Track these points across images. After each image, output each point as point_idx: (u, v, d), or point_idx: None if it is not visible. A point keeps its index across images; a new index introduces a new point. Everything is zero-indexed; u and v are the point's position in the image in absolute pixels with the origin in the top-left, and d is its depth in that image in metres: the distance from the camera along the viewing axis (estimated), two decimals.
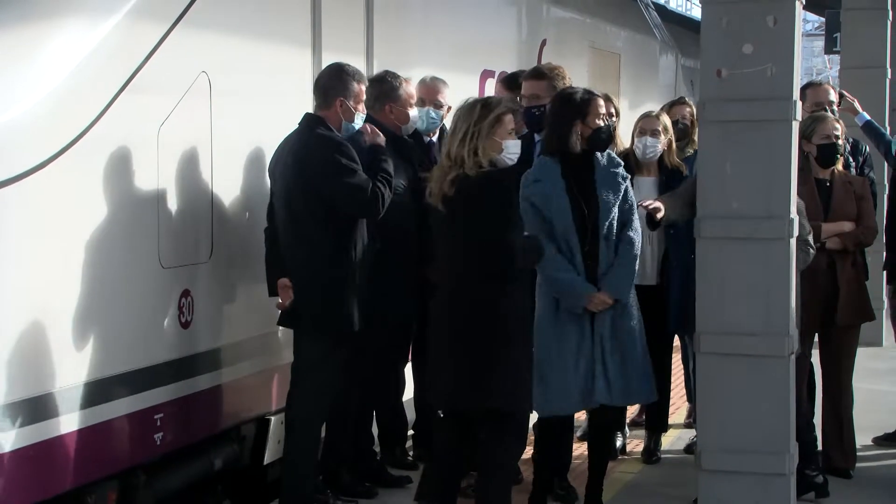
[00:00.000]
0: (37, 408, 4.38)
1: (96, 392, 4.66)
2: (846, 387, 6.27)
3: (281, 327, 5.54)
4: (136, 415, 4.88)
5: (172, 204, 5.10)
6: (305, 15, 6.02)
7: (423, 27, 7.33)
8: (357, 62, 5.93)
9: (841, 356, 6.18)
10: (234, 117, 5.47)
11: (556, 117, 5.35)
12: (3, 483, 4.25)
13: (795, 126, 5.15)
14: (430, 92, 6.17)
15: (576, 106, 5.29)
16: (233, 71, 5.46)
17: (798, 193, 5.92)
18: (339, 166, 5.13)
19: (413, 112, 5.91)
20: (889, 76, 10.31)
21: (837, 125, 6.17)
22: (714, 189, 5.12)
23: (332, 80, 5.37)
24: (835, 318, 6.00)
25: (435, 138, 6.27)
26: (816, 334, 6.11)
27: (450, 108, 6.22)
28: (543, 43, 9.32)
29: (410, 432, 6.44)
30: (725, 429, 5.11)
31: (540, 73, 5.93)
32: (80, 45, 4.62)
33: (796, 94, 5.11)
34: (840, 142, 6.11)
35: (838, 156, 6.11)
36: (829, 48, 14.46)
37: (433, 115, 6.14)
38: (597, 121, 5.29)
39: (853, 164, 6.84)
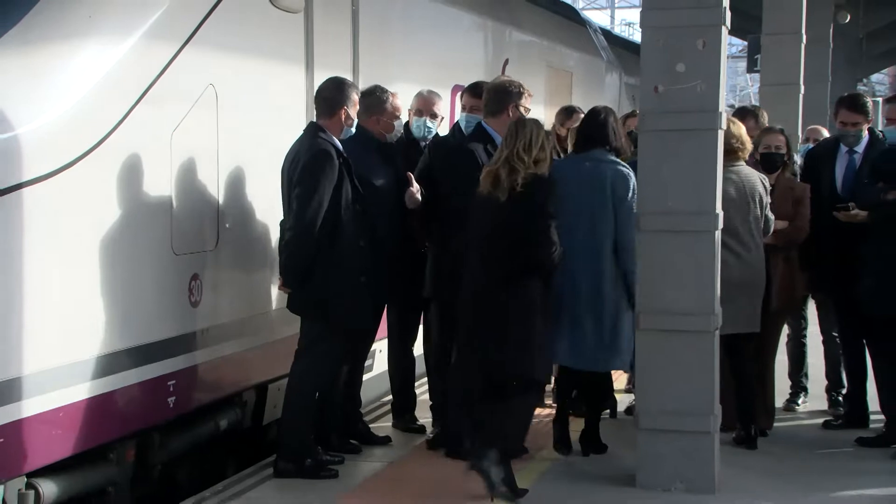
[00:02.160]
0: (67, 374, 4.37)
1: (117, 361, 4.65)
2: (771, 360, 6.34)
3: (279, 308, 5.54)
4: (151, 381, 4.86)
5: (183, 199, 5.07)
6: (299, 35, 6.00)
7: (402, 46, 7.32)
8: (344, 76, 5.91)
9: (770, 335, 6.22)
10: (238, 124, 5.44)
11: (617, 129, 5.57)
12: (38, 439, 4.24)
13: (720, 135, 5.17)
14: (427, 103, 6.05)
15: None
16: (237, 84, 5.43)
17: None
18: (306, 171, 5.04)
19: (397, 123, 5.84)
20: (802, 92, 10.38)
21: (781, 138, 6.27)
22: (653, 189, 5.14)
23: (335, 91, 5.30)
24: (768, 305, 6.04)
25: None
26: None
27: (443, 118, 6.17)
28: (506, 62, 9.32)
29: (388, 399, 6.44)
30: (660, 394, 5.14)
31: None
32: (103, 60, 4.59)
33: (722, 107, 5.14)
34: (782, 152, 6.18)
35: (781, 163, 6.18)
36: (751, 68, 14.58)
37: (429, 124, 6.00)
38: None
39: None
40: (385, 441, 5.95)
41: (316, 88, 5.75)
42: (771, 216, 5.88)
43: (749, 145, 5.92)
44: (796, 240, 6.17)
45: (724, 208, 5.23)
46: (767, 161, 6.18)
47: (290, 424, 5.31)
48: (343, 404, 5.79)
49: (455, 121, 6.29)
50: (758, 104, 9.49)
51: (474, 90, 5.92)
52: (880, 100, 8.57)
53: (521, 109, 5.59)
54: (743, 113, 7.10)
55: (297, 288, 5.17)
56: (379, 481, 5.30)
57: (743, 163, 5.84)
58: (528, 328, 4.92)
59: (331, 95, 5.30)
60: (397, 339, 6.20)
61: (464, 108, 5.96)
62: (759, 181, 5.87)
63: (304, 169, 5.07)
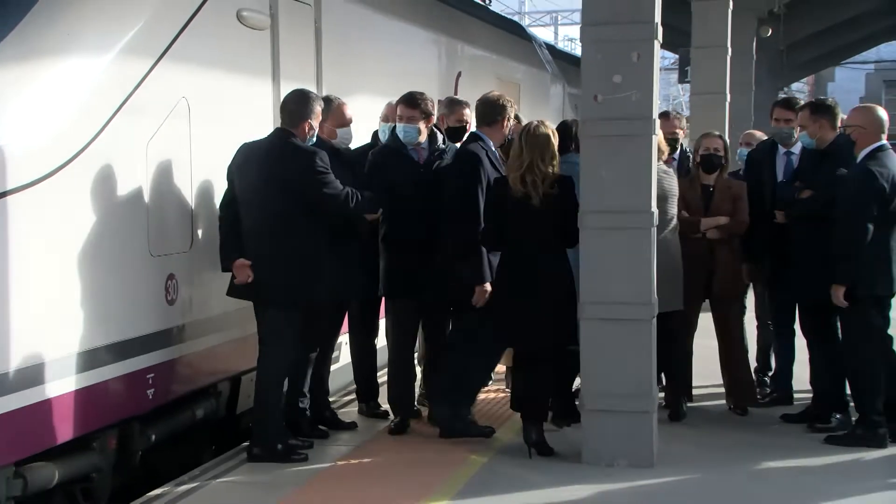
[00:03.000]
0: (52, 369, 4.33)
1: (99, 356, 4.61)
2: (737, 342, 6.43)
3: (250, 303, 5.51)
4: (131, 375, 4.83)
5: (159, 205, 5.04)
6: (266, 50, 5.99)
7: (362, 60, 7.32)
8: (309, 88, 5.91)
9: (728, 319, 6.37)
10: (209, 134, 5.42)
11: None
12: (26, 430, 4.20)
13: (654, 140, 5.24)
14: (394, 111, 6.05)
15: None
16: (208, 96, 5.41)
17: (688, 196, 6.14)
18: (319, 172, 5.13)
19: (343, 131, 5.80)
20: (728, 100, 10.53)
21: (720, 141, 6.37)
22: (594, 190, 5.20)
23: (299, 104, 5.29)
24: (713, 291, 6.20)
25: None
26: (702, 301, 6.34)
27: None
28: (459, 74, 9.35)
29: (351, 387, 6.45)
30: (602, 377, 5.20)
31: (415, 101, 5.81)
32: (83, 75, 4.56)
33: (655, 115, 5.22)
34: (720, 154, 6.29)
35: (718, 165, 6.28)
36: (682, 78, 14.77)
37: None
38: None
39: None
40: (351, 426, 5.96)
41: (282, 99, 5.73)
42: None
43: (665, 148, 6.07)
44: (738, 233, 6.28)
45: None
46: (707, 162, 6.28)
47: (261, 412, 5.30)
48: (313, 392, 5.79)
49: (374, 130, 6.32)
50: (688, 112, 9.62)
51: (410, 101, 5.78)
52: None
53: (512, 121, 5.85)
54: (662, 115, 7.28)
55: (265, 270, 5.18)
56: (347, 464, 5.31)
57: (662, 163, 5.97)
58: (570, 304, 5.25)
59: (296, 108, 5.30)
60: (359, 330, 6.22)
61: (400, 119, 5.77)
62: (675, 180, 6.05)
63: (308, 164, 5.11)
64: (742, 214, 6.24)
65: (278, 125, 5.87)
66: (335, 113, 5.73)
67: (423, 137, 5.80)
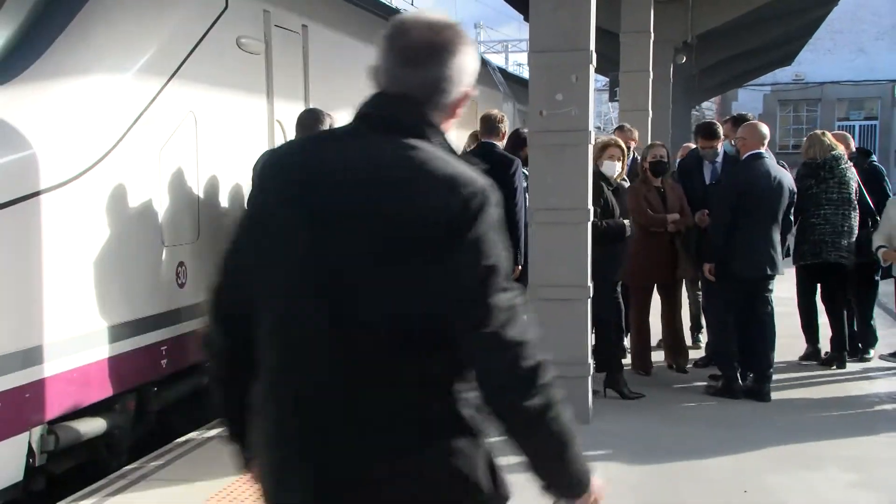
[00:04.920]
0: (80, 341, 4.31)
1: (121, 331, 4.59)
2: (680, 316, 6.63)
3: None
4: (148, 347, 4.82)
5: (171, 201, 5.02)
6: (261, 71, 5.97)
7: (343, 78, 7.31)
8: (298, 104, 5.92)
9: (678, 297, 6.54)
10: (212, 142, 5.40)
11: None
12: (65, 392, 4.18)
13: (590, 148, 5.32)
14: None
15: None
16: (212, 110, 5.39)
17: (650, 197, 6.24)
18: None
19: None
20: (651, 116, 10.66)
21: (663, 150, 6.52)
22: (540, 191, 5.27)
23: (311, 121, 5.30)
24: (676, 274, 6.40)
25: None
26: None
27: None
28: None
29: None
30: (545, 348, 5.26)
31: None
32: (106, 91, 4.53)
33: (591, 127, 5.29)
34: (665, 160, 6.43)
35: (664, 169, 6.42)
36: (612, 97, 14.84)
37: None
38: None
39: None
40: None
41: (276, 113, 5.73)
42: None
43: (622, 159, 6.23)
44: (689, 226, 6.42)
45: None
46: (655, 168, 6.41)
47: None
48: None
49: None
50: (619, 125, 9.74)
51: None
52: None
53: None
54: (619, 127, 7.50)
55: None
56: None
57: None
58: None
59: (308, 124, 5.32)
60: None
61: None
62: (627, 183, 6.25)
63: None
64: (687, 211, 6.40)
65: (272, 134, 5.92)
66: (331, 125, 5.79)
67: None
